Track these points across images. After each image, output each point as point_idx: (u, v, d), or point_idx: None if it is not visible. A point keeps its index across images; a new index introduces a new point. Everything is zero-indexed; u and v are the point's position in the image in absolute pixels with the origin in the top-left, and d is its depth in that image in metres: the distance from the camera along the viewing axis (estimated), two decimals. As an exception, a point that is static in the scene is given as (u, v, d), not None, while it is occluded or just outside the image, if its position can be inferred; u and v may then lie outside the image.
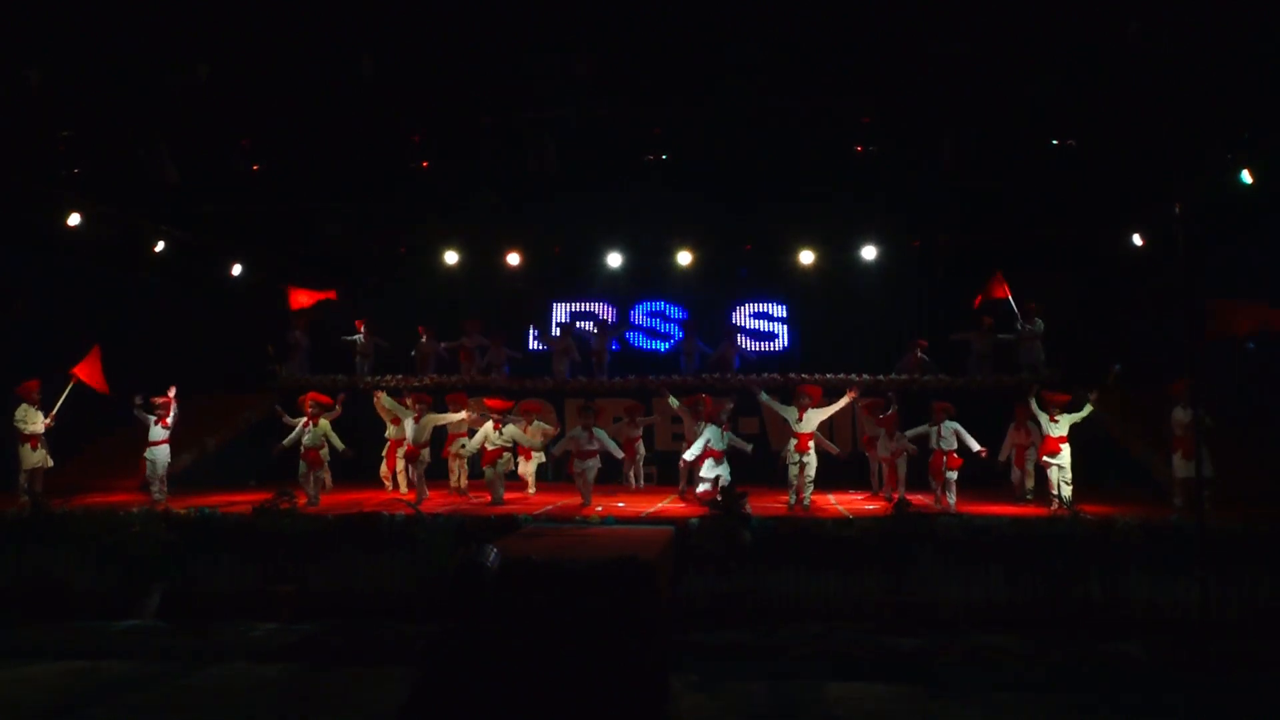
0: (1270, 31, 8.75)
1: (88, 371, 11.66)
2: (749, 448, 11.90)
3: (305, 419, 11.88)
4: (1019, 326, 14.78)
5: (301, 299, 15.67)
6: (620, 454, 12.42)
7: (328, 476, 12.14)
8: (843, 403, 11.61)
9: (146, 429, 11.58)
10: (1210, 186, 12.19)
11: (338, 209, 16.17)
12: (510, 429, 11.77)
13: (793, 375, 15.02)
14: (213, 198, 14.59)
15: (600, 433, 11.80)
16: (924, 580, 9.19)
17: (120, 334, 13.84)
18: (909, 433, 11.54)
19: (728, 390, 14.65)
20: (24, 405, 11.17)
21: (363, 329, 16.26)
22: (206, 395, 15.26)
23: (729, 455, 11.44)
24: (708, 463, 11.33)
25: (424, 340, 16.15)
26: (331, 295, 15.94)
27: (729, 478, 11.18)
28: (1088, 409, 11.14)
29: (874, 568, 9.29)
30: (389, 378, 15.47)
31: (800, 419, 11.23)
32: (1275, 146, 10.86)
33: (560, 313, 18.35)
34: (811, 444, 11.21)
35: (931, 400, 11.73)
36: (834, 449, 12.03)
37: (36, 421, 11.15)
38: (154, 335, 15.26)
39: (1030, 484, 11.72)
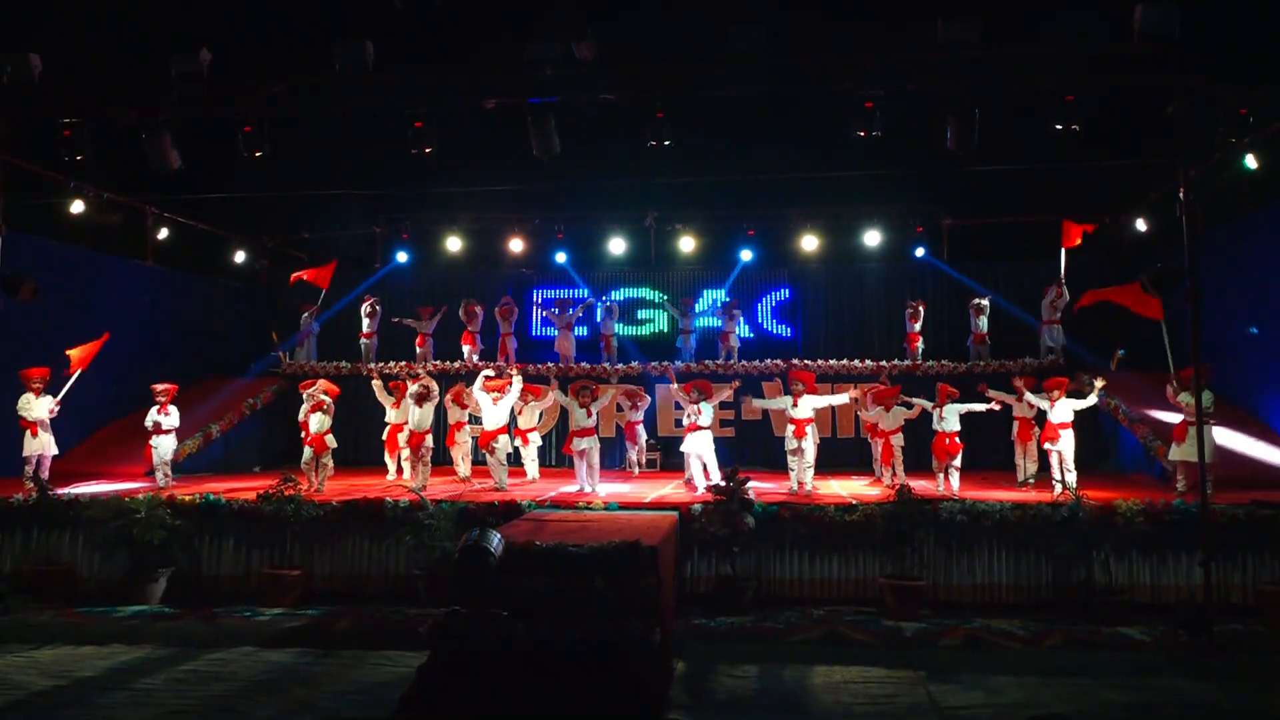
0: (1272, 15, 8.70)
1: (80, 357, 11.69)
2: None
3: (310, 405, 11.91)
4: (1052, 292, 14.73)
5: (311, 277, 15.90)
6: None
7: (330, 462, 12.14)
8: (842, 399, 11.62)
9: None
10: (1216, 171, 12.19)
11: (340, 195, 16.22)
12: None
13: (794, 361, 15.04)
14: (215, 184, 14.61)
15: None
16: (926, 564, 9.22)
17: (125, 321, 13.88)
18: (914, 400, 11.68)
19: (728, 376, 14.68)
20: (26, 392, 11.21)
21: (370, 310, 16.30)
22: (211, 381, 15.32)
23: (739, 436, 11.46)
24: (689, 437, 11.43)
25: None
26: (332, 264, 16.08)
27: (711, 451, 11.29)
28: (1093, 398, 11.15)
29: (876, 552, 9.32)
30: (392, 364, 15.50)
31: (795, 405, 11.24)
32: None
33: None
34: (809, 429, 11.23)
35: (936, 384, 11.75)
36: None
37: (35, 408, 11.18)
38: (158, 322, 15.30)
39: (1033, 469, 11.73)
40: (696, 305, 16.94)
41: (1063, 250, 14.49)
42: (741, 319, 16.63)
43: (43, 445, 11.16)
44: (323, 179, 15.44)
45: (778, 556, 9.49)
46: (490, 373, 12.68)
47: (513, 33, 10.24)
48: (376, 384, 12.64)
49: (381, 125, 11.31)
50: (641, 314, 17.91)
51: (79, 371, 11.61)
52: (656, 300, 17.92)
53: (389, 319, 16.29)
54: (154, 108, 10.56)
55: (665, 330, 17.79)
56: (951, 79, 9.96)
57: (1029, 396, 11.33)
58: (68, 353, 11.58)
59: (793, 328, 17.71)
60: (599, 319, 16.36)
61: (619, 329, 16.58)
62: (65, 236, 13.83)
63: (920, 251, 17.28)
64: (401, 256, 18.18)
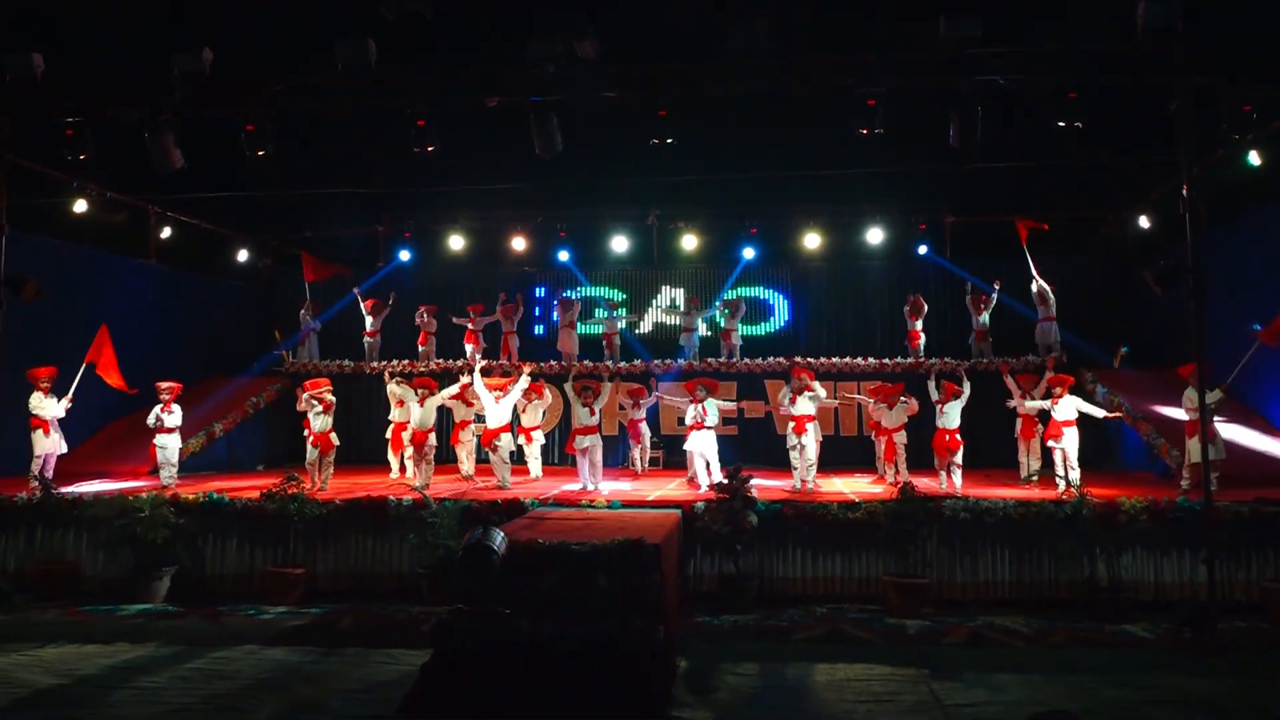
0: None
1: (103, 362, 11.78)
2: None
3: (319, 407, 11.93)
4: (1034, 288, 14.76)
5: (316, 271, 15.96)
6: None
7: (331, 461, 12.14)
8: (836, 402, 11.62)
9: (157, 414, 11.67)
10: (1219, 168, 12.17)
11: (342, 194, 16.25)
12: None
13: (797, 359, 15.03)
14: (218, 183, 14.62)
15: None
16: (929, 562, 9.22)
17: (128, 320, 13.89)
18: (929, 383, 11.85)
19: (729, 375, 14.69)
20: (35, 391, 11.25)
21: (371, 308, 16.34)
22: (214, 380, 15.33)
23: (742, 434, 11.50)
24: (692, 435, 11.45)
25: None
26: (346, 271, 16.19)
27: (714, 450, 11.31)
28: (1101, 411, 11.21)
29: (879, 550, 9.32)
30: (395, 363, 15.51)
31: (794, 403, 11.23)
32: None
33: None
34: (810, 426, 11.22)
35: (941, 382, 11.76)
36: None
37: (49, 406, 11.22)
38: (161, 321, 15.33)
39: (1036, 466, 11.72)
40: (699, 304, 16.90)
41: (1026, 249, 14.61)
42: (743, 317, 16.59)
43: (55, 444, 11.23)
44: (325, 178, 15.47)
45: (781, 554, 9.49)
46: (484, 365, 12.75)
47: (514, 31, 10.23)
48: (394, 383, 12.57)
49: (383, 124, 11.34)
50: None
51: (89, 365, 11.70)
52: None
53: (392, 316, 16.33)
54: (156, 107, 10.54)
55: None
56: (953, 76, 9.93)
57: (1030, 403, 11.35)
58: (90, 361, 11.72)
59: (795, 325, 17.68)
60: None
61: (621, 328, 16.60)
62: (68, 236, 13.85)
63: (923, 249, 17.26)
64: (404, 255, 18.17)
